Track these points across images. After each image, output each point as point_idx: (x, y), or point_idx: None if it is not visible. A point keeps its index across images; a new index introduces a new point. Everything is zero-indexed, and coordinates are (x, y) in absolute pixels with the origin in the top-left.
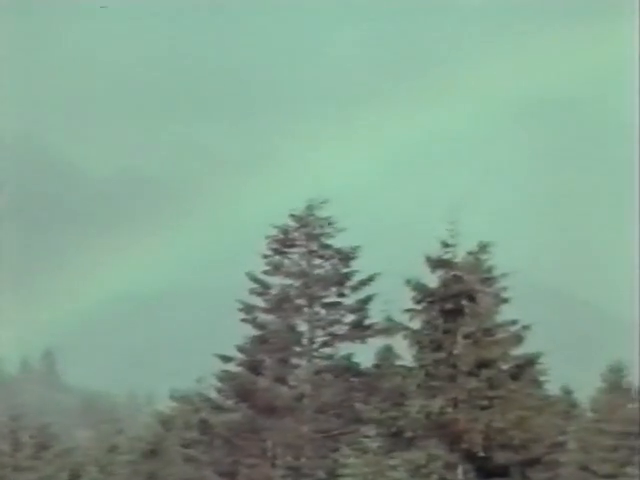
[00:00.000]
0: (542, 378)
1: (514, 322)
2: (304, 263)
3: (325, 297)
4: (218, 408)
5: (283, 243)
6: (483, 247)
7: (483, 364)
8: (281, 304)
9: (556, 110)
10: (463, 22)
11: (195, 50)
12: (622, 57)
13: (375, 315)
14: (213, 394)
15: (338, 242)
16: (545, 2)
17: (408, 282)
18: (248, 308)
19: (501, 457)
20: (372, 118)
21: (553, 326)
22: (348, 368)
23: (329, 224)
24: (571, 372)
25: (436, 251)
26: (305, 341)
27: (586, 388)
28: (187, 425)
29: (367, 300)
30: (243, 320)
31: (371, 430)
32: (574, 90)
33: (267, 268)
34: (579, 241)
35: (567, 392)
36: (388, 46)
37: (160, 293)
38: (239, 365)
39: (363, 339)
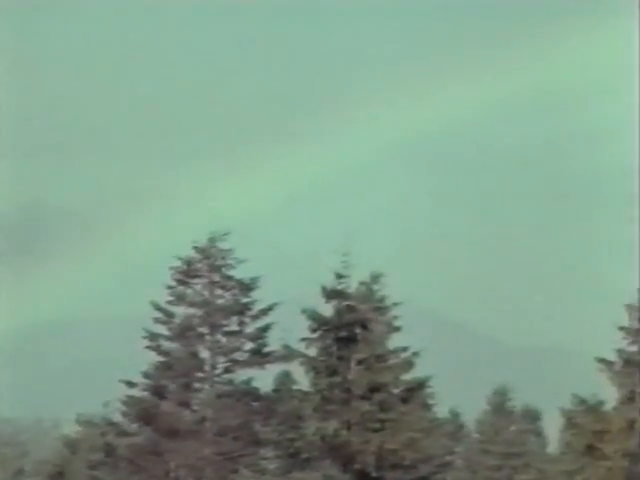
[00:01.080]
0: (431, 401)
1: (405, 349)
2: (206, 293)
3: (226, 325)
4: (123, 431)
5: (186, 274)
6: (375, 278)
7: (375, 388)
8: (184, 332)
9: (450, 148)
10: (358, 62)
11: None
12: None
13: (274, 343)
14: (118, 418)
15: (239, 273)
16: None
17: (304, 311)
18: (153, 336)
19: (392, 477)
20: (273, 154)
21: (441, 352)
22: (248, 393)
23: (230, 256)
24: (458, 396)
25: (331, 282)
26: (207, 367)
27: (472, 411)
28: (93, 448)
29: (266, 328)
30: (148, 347)
31: (269, 452)
32: (463, 129)
33: (171, 298)
34: (467, 272)
35: (454, 414)
36: (285, 82)
37: (68, 321)
38: (144, 390)
39: (262, 365)
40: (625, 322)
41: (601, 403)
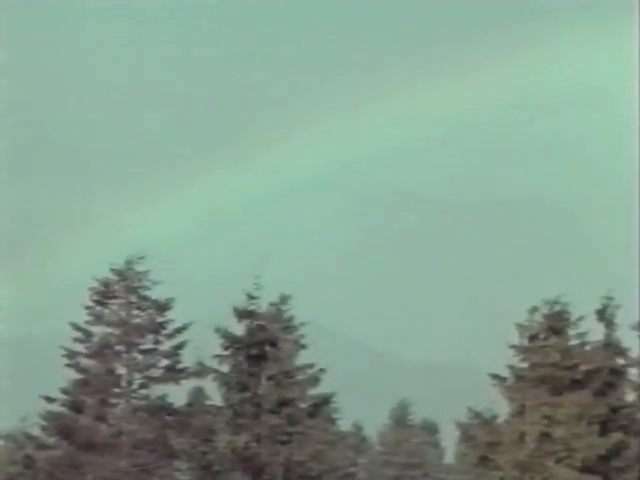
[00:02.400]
0: (336, 415)
1: (311, 366)
2: (123, 313)
3: (142, 344)
4: (42, 445)
5: (104, 295)
6: (284, 299)
7: (284, 403)
8: (102, 350)
9: (363, 176)
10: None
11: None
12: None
13: (188, 360)
14: (37, 432)
15: (154, 294)
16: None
17: (217, 330)
18: (71, 354)
19: None
20: (190, 180)
21: (346, 370)
22: (162, 407)
23: (146, 278)
24: (361, 410)
25: (243, 303)
26: (124, 383)
27: (374, 424)
28: (12, 461)
29: (180, 346)
30: (67, 365)
31: (183, 464)
32: (375, 160)
33: (89, 318)
34: (372, 295)
35: (358, 428)
36: (205, 105)
37: None
38: (62, 405)
39: (177, 381)
40: (515, 340)
41: (494, 416)
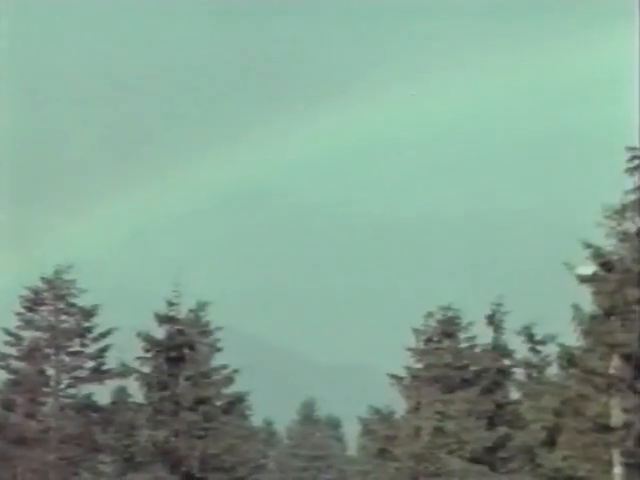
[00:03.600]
0: (248, 412)
1: (225, 367)
2: (52, 319)
3: (70, 347)
4: None
5: (34, 302)
6: (201, 305)
7: (201, 401)
8: (32, 353)
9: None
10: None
11: None
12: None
13: (112, 361)
14: None
15: (81, 301)
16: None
17: (139, 334)
18: (3, 356)
19: (214, 478)
20: (112, 194)
21: (257, 370)
22: (88, 405)
23: (74, 286)
24: (272, 407)
25: (163, 309)
26: (52, 383)
27: (283, 420)
28: None
29: (105, 349)
30: None
31: (107, 457)
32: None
33: (20, 323)
34: (282, 300)
35: (268, 423)
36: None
37: None
38: None
39: (102, 381)
40: (412, 343)
41: (392, 412)
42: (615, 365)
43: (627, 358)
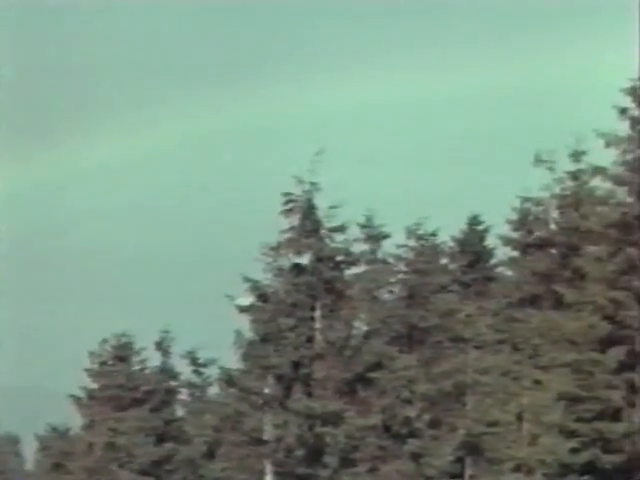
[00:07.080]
0: None
1: None
2: None
3: None
4: None
5: None
6: None
7: None
8: None
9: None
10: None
11: None
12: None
13: None
14: None
15: None
16: None
17: None
18: None
19: None
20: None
21: None
22: None
23: None
24: None
25: None
26: None
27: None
28: None
29: None
30: None
31: None
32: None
33: None
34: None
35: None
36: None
37: None
38: None
39: None
40: (89, 365)
41: (68, 429)
42: (269, 385)
43: (279, 379)
